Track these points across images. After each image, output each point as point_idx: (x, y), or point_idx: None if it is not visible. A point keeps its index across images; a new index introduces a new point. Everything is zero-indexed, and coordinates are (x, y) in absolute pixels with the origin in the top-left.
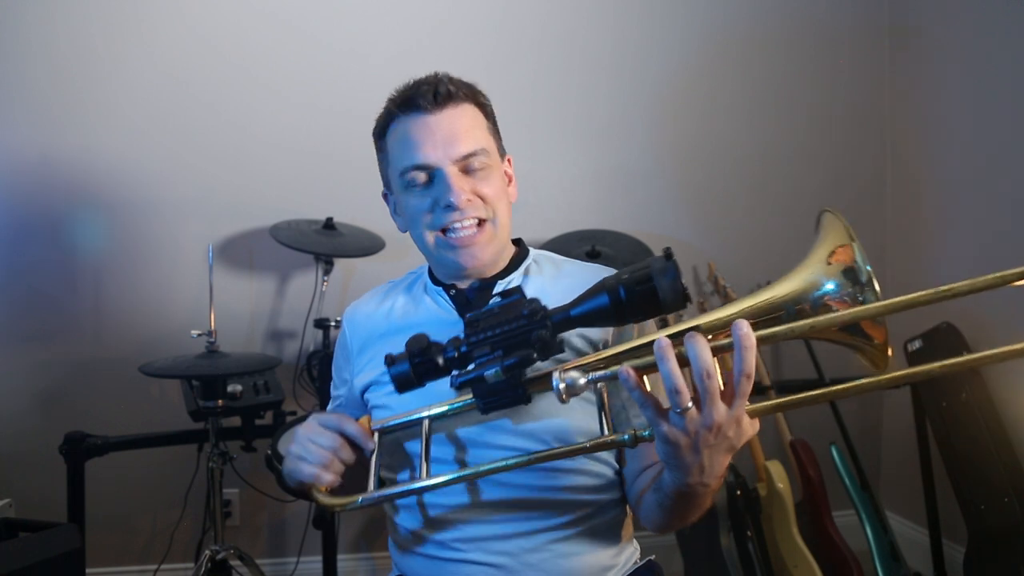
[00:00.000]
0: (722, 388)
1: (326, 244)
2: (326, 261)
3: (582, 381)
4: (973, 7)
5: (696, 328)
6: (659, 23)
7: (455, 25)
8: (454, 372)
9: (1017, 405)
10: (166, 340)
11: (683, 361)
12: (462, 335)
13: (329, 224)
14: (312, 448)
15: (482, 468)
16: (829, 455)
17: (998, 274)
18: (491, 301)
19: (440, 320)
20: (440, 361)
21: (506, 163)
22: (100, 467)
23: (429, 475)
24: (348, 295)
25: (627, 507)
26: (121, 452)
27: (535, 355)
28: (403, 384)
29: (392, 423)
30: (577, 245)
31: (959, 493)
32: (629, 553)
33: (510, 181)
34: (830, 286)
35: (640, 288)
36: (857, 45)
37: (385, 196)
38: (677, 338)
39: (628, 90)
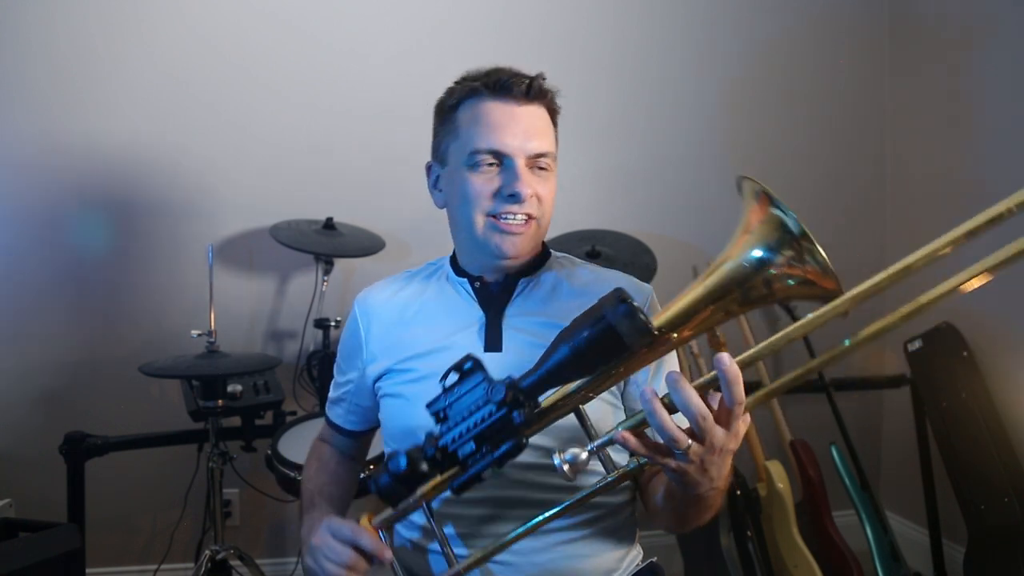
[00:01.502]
0: (714, 411)
1: (326, 244)
2: (326, 261)
3: (583, 456)
4: (973, 7)
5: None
6: (659, 23)
7: (455, 25)
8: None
9: (1017, 405)
10: (166, 340)
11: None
12: (436, 430)
13: (329, 224)
14: (327, 566)
15: (508, 538)
16: (829, 455)
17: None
18: (448, 378)
19: (461, 310)
20: (425, 468)
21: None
22: (100, 467)
23: (456, 560)
24: (348, 295)
25: (635, 510)
26: (121, 452)
27: (525, 440)
28: (391, 497)
29: (392, 515)
30: (577, 245)
31: (959, 493)
32: (633, 555)
33: None
34: (767, 255)
35: (600, 336)
36: (857, 45)
37: (428, 167)
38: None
39: (628, 90)
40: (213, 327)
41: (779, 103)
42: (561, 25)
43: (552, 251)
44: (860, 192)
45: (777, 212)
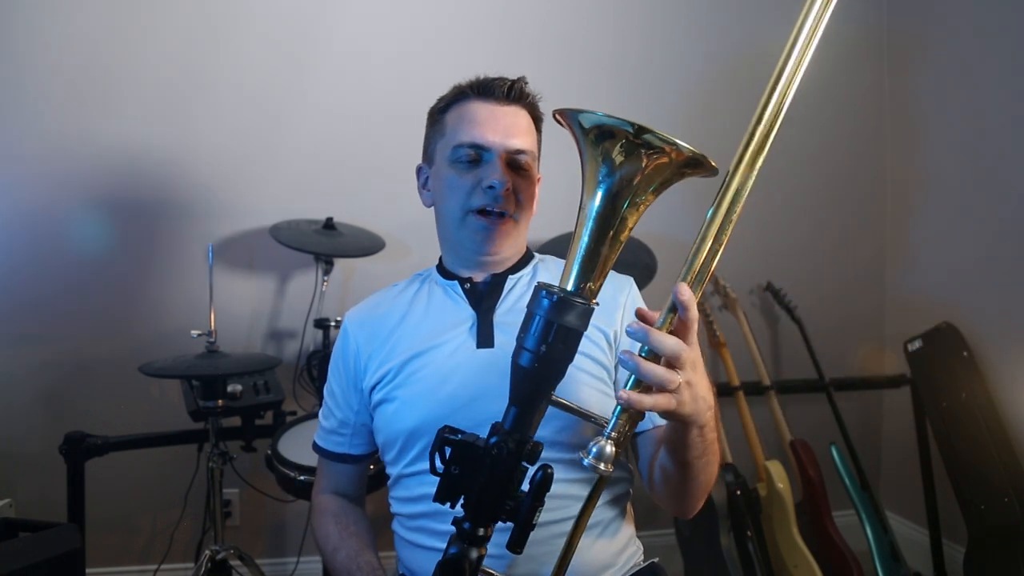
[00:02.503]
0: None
1: (326, 244)
2: (326, 261)
3: (608, 447)
4: (971, 9)
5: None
6: (659, 24)
7: (455, 26)
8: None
9: (1017, 405)
10: (166, 340)
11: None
12: (460, 513)
13: (329, 224)
14: None
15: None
16: (829, 455)
17: None
18: (443, 466)
19: (452, 310)
20: (475, 554)
21: (536, 181)
22: (100, 467)
23: None
24: (348, 295)
25: (629, 505)
26: (121, 452)
27: (550, 469)
28: None
29: None
30: None
31: (959, 493)
32: (631, 553)
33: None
34: (619, 172)
35: (555, 339)
36: (857, 46)
37: (419, 170)
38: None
39: (628, 90)
40: (213, 327)
41: None
42: (561, 25)
43: (535, 253)
44: (860, 192)
45: (602, 122)
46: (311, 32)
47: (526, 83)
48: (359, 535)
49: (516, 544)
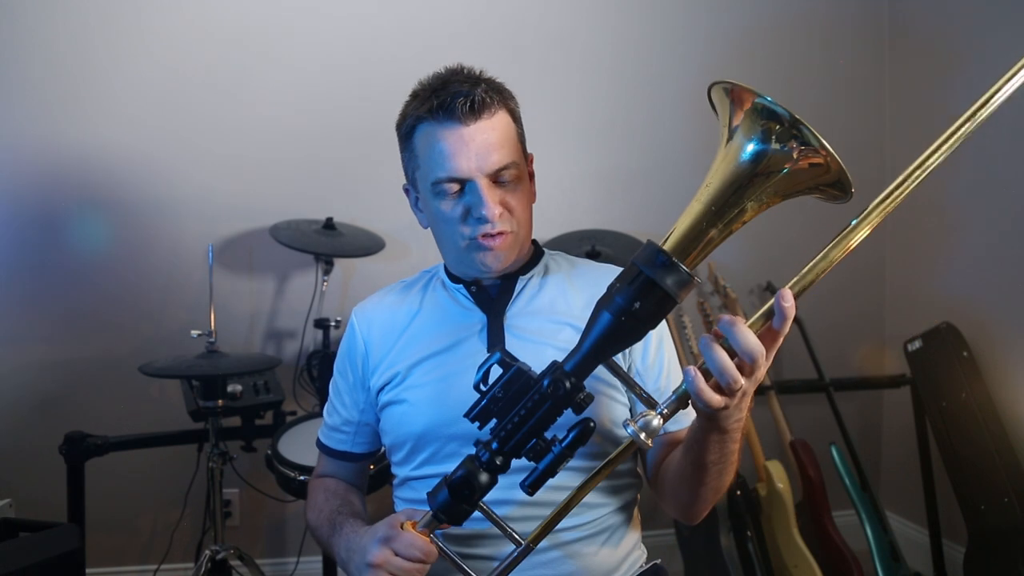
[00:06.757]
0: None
1: (326, 244)
2: (326, 261)
3: (656, 421)
4: (973, 6)
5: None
6: (659, 23)
7: (455, 26)
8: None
9: (1017, 405)
10: (166, 340)
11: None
12: (485, 436)
13: (329, 224)
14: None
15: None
16: (829, 455)
17: None
18: (490, 382)
19: (462, 314)
20: (485, 479)
21: (528, 162)
22: (100, 467)
23: (521, 539)
24: (348, 295)
25: (636, 509)
26: (121, 452)
27: (592, 423)
28: (455, 516)
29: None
30: (577, 245)
31: (959, 493)
32: (636, 555)
33: (531, 179)
34: (759, 146)
35: (644, 295)
36: (857, 45)
37: (407, 190)
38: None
39: (628, 90)
40: (213, 327)
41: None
42: (561, 25)
43: (545, 249)
44: (860, 192)
45: (759, 101)
46: (311, 32)
47: (486, 87)
48: (351, 502)
49: (532, 486)
